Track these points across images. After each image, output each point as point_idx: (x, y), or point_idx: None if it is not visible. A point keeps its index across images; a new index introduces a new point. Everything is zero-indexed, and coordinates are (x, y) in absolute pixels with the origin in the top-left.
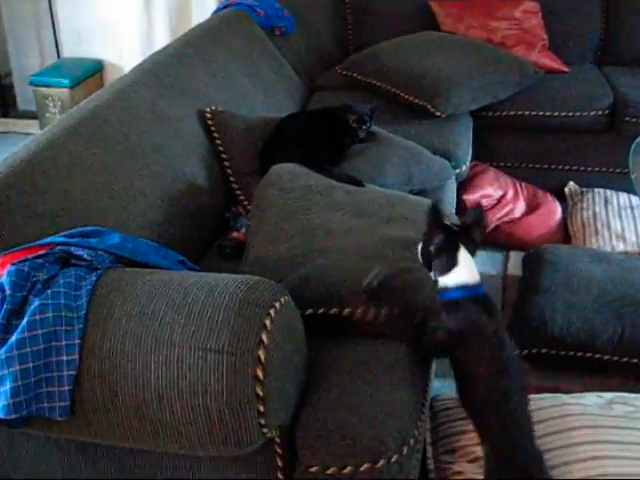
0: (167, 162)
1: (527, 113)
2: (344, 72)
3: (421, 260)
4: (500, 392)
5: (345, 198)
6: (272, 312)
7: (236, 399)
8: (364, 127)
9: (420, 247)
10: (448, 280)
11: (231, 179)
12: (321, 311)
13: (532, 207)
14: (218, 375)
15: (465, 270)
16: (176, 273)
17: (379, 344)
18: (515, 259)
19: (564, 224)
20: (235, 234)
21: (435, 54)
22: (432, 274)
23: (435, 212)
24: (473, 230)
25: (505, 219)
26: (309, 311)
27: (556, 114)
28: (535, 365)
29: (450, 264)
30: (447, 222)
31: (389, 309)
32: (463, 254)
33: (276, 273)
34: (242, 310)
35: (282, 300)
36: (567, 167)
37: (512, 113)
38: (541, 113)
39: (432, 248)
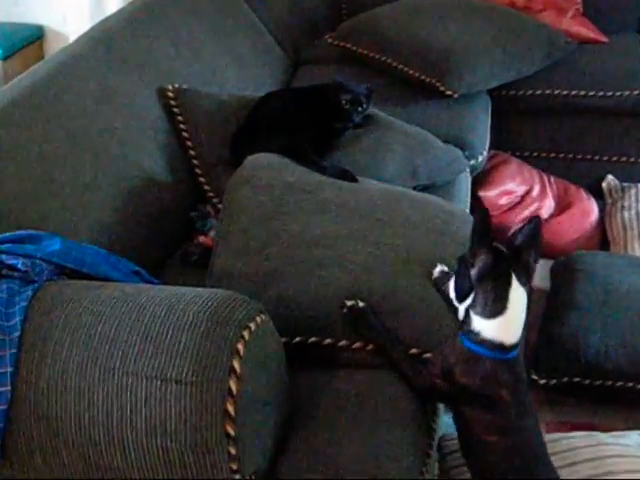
0: (120, 151)
1: (557, 92)
2: (336, 42)
3: (451, 285)
4: (519, 459)
5: (334, 197)
6: (246, 334)
7: (202, 439)
8: (359, 109)
9: (458, 266)
10: (482, 326)
11: (198, 171)
12: (312, 340)
13: (563, 206)
14: (180, 410)
15: (507, 326)
16: (130, 286)
17: (377, 373)
18: (542, 269)
19: (601, 226)
20: (202, 238)
21: (446, 20)
22: (462, 307)
23: (484, 219)
24: (526, 253)
25: None
26: (297, 339)
27: (592, 93)
28: (566, 397)
29: (497, 307)
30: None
31: (372, 341)
32: (516, 293)
33: (246, 292)
34: (209, 332)
35: (258, 320)
36: (605, 157)
37: (539, 92)
38: (574, 92)
39: (475, 271)
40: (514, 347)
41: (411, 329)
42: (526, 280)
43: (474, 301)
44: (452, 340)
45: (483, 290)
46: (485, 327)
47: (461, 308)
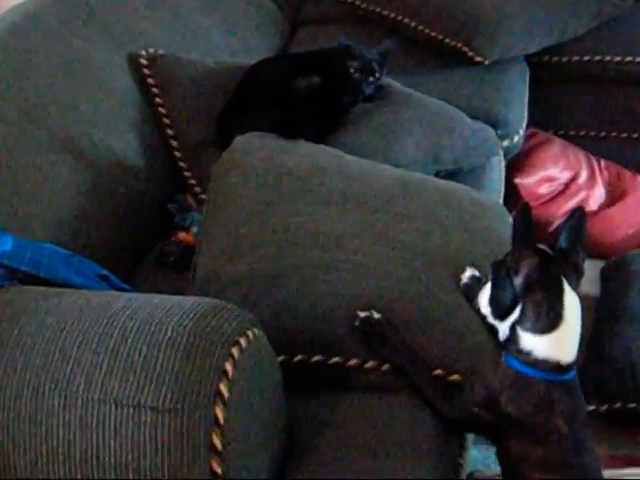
0: (84, 130)
1: (608, 58)
2: None
3: (483, 299)
4: None
5: (342, 186)
6: (235, 352)
7: (183, 478)
8: (371, 79)
9: (494, 274)
10: (534, 344)
11: (177, 154)
12: (316, 359)
13: (615, 195)
14: (157, 443)
15: (563, 341)
16: (96, 294)
17: (392, 398)
18: (591, 271)
19: None
20: (183, 235)
21: None
22: (505, 324)
23: (526, 216)
24: (573, 252)
25: None
26: (298, 358)
27: None
28: (620, 426)
29: (552, 320)
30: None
31: (389, 360)
32: (570, 301)
33: (236, 301)
34: (192, 349)
35: (250, 334)
36: None
37: (586, 59)
38: (629, 58)
39: (520, 280)
40: (571, 366)
41: (436, 346)
42: (576, 285)
43: (522, 315)
44: (494, 362)
45: (533, 301)
46: (538, 344)
47: (503, 326)
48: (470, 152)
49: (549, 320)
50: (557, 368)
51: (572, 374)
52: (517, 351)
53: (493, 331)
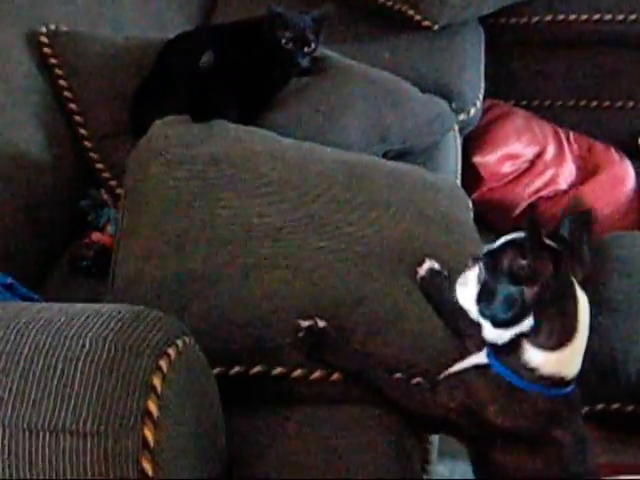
0: None
1: (572, 17)
2: None
3: (469, 294)
4: None
5: (277, 173)
6: (164, 364)
7: None
8: (306, 50)
9: (491, 271)
10: (543, 361)
11: (87, 144)
12: (257, 370)
13: (587, 172)
14: (78, 472)
15: (572, 356)
16: (1, 306)
17: (343, 412)
18: None
19: None
20: (97, 235)
21: None
22: (508, 333)
23: (533, 214)
24: (580, 247)
25: (544, 193)
26: (236, 369)
27: (621, 17)
28: (606, 430)
29: (566, 335)
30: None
31: (340, 368)
32: (583, 309)
33: (162, 307)
34: (114, 363)
35: (180, 344)
36: None
37: (548, 19)
38: (596, 17)
39: (535, 290)
40: (574, 380)
41: (392, 349)
42: (584, 284)
43: (534, 330)
44: (477, 370)
45: (548, 316)
46: (547, 361)
47: (499, 332)
48: (421, 129)
49: (563, 336)
50: (560, 383)
51: (573, 386)
52: (517, 364)
53: (456, 331)
